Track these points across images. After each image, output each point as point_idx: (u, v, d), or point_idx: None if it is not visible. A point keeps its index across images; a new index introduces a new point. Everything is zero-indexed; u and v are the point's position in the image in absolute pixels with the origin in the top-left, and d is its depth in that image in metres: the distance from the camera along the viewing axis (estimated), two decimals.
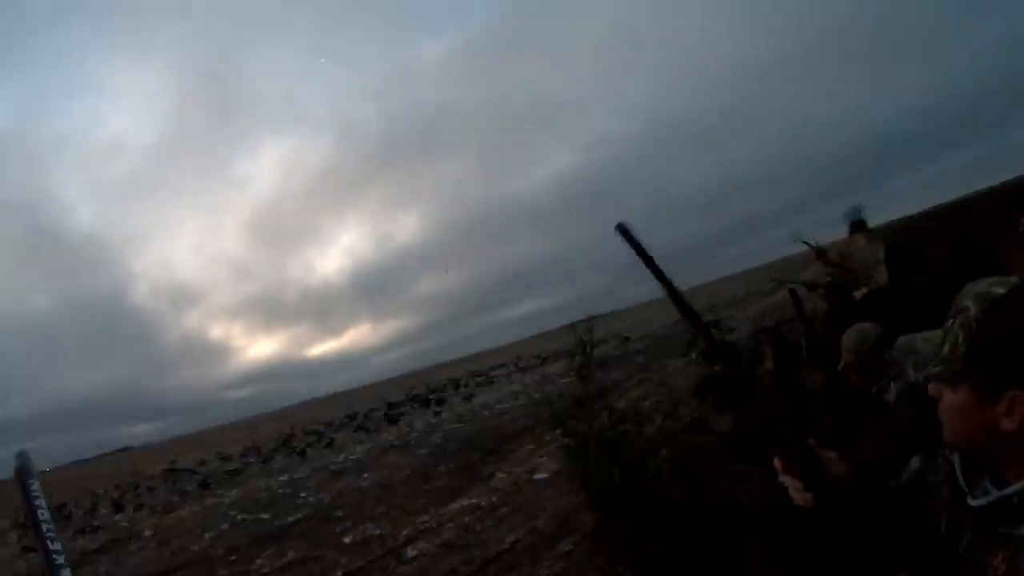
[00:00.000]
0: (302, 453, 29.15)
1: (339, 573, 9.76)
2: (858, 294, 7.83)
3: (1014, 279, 1.30)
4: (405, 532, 10.83)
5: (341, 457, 23.33)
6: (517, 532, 9.24)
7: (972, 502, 1.34)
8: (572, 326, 7.36)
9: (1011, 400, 1.22)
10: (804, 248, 9.55)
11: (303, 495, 17.28)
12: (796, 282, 9.45)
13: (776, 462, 1.70)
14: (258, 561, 11.60)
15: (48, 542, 1.21)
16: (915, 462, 1.96)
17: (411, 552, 9.73)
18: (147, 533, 17.67)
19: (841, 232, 9.71)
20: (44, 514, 1.24)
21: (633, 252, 1.77)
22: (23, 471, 1.29)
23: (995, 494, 1.29)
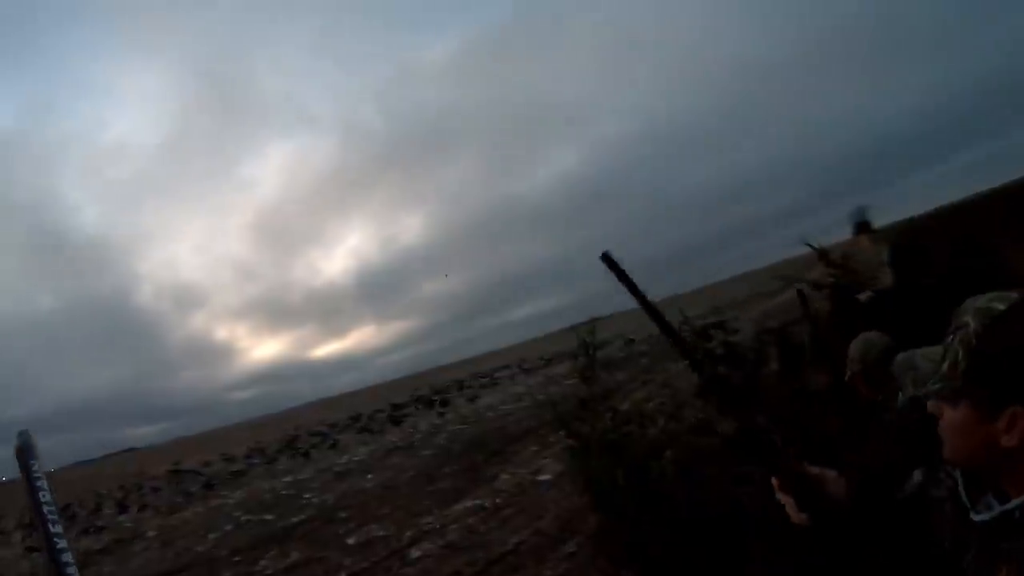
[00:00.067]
0: (306, 454, 29.15)
1: (343, 574, 9.75)
2: (863, 296, 7.83)
3: (1014, 295, 1.29)
4: (409, 533, 10.82)
5: (345, 458, 23.33)
6: (521, 533, 9.23)
7: (975, 517, 1.34)
8: (574, 328, 7.34)
9: (1011, 416, 1.22)
10: (807, 250, 9.54)
11: (307, 496, 17.28)
12: (802, 280, 9.45)
13: (773, 480, 1.70)
14: (262, 562, 11.61)
15: (50, 525, 1.15)
16: (918, 476, 1.96)
17: (415, 553, 9.73)
18: (151, 534, 17.70)
19: (845, 233, 9.68)
20: (46, 495, 1.19)
21: (619, 280, 1.77)
22: (24, 450, 1.23)
23: (997, 509, 1.30)
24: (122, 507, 26.42)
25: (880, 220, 9.55)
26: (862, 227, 9.21)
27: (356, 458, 22.53)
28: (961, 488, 1.40)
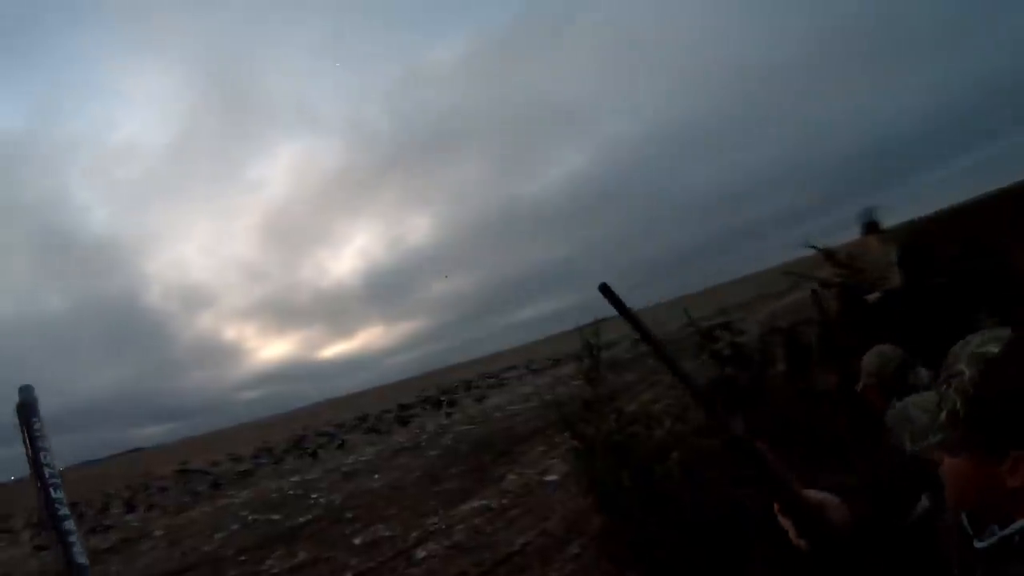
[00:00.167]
0: (313, 454, 29.20)
1: (349, 574, 9.74)
2: (872, 297, 7.77)
3: (1005, 332, 1.27)
4: (415, 534, 10.81)
5: (352, 458, 23.36)
6: (527, 534, 9.21)
7: (977, 544, 1.32)
8: (579, 330, 7.32)
9: (1015, 461, 1.20)
10: (815, 251, 9.49)
11: (314, 496, 17.30)
12: (810, 277, 9.40)
13: (775, 505, 1.68)
14: (268, 562, 11.61)
15: (51, 490, 1.09)
16: (925, 501, 1.93)
17: (421, 553, 9.71)
18: (158, 533, 17.75)
19: (853, 234, 9.63)
20: (47, 457, 1.12)
21: (616, 310, 1.77)
22: (26, 407, 1.14)
23: (997, 535, 1.28)
24: (129, 506, 26.52)
25: (888, 220, 9.49)
26: (870, 227, 9.15)
27: (363, 458, 22.55)
28: (964, 516, 1.38)
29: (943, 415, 1.30)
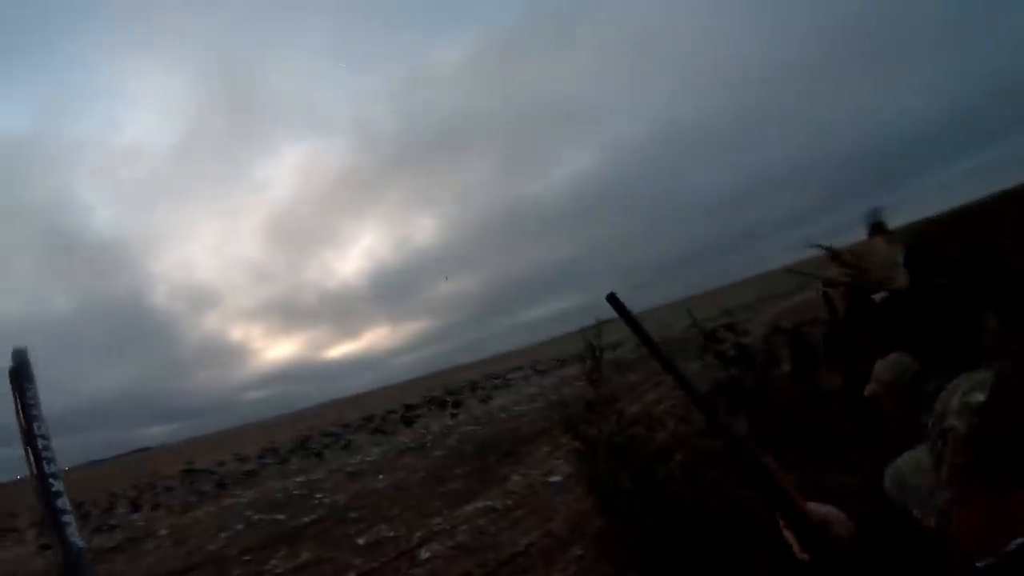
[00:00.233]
0: (319, 454, 29.21)
1: (352, 574, 9.73)
2: (878, 297, 7.73)
3: (986, 375, 1.26)
4: (419, 534, 10.80)
5: (357, 459, 23.36)
6: (531, 535, 9.19)
7: (978, 564, 1.31)
8: (582, 331, 7.31)
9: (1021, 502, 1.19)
10: (820, 253, 9.46)
11: (319, 496, 17.31)
12: (815, 276, 9.37)
13: (779, 518, 1.68)
14: (272, 561, 11.61)
15: (45, 464, 1.00)
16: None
17: (425, 554, 9.69)
18: (163, 532, 17.77)
19: (859, 235, 9.60)
20: (42, 428, 1.01)
21: (623, 320, 1.79)
22: (20, 372, 1.03)
23: (997, 554, 1.25)
24: (135, 506, 26.57)
25: (896, 221, 9.46)
26: (877, 228, 9.11)
27: (368, 459, 22.54)
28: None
29: (945, 473, 1.29)
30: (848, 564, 1.62)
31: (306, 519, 14.54)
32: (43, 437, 1.02)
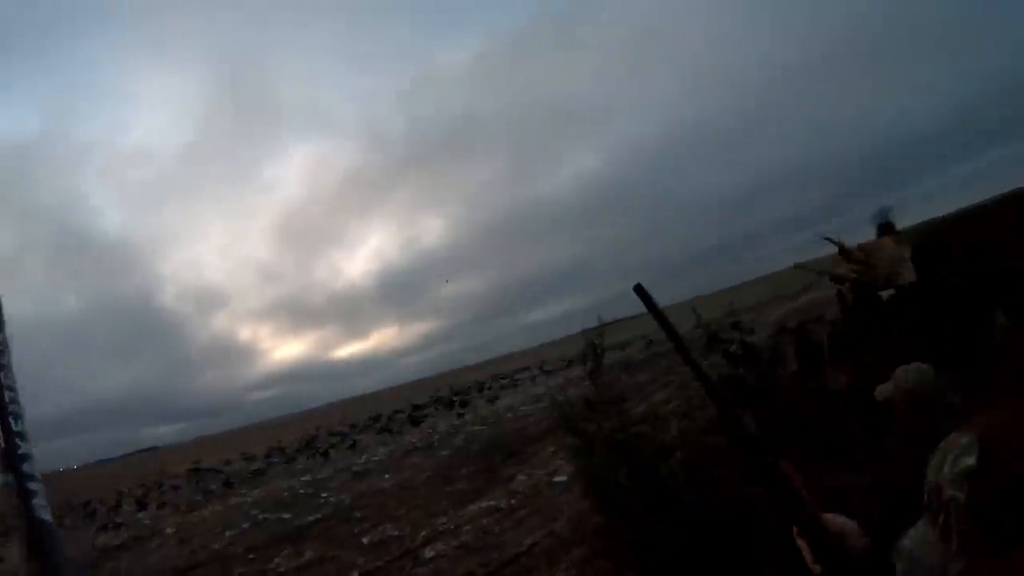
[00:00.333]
0: (325, 454, 29.25)
1: (355, 573, 9.71)
2: (885, 294, 7.68)
3: (973, 435, 1.23)
4: (423, 533, 10.76)
5: (363, 458, 23.35)
6: (535, 535, 9.14)
7: None
8: (583, 331, 7.27)
9: None
10: (827, 253, 9.43)
11: (324, 495, 17.30)
12: (821, 271, 9.32)
13: (793, 526, 1.65)
14: (276, 560, 11.60)
15: (12, 421, 0.86)
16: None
17: (428, 553, 9.66)
18: (169, 531, 17.79)
19: (867, 235, 9.55)
20: (8, 377, 0.87)
21: (648, 311, 1.79)
22: None
23: None
24: (141, 504, 26.67)
25: (905, 221, 9.42)
26: (885, 228, 9.06)
27: (375, 458, 22.53)
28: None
29: (955, 546, 1.26)
30: None
31: (311, 518, 14.53)
32: (10, 389, 0.88)
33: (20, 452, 0.87)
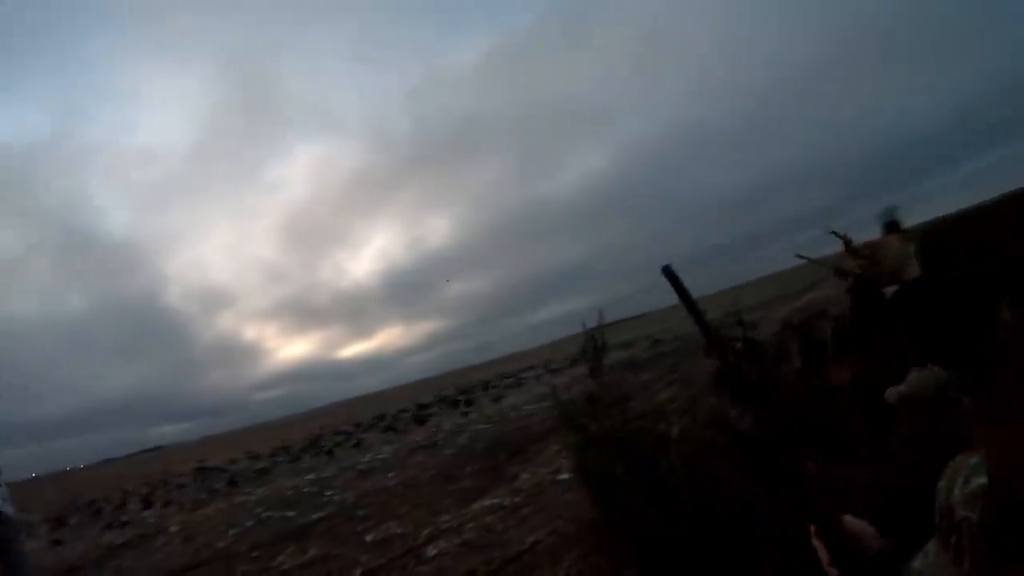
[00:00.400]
0: (330, 453, 29.29)
1: (358, 571, 9.69)
2: (888, 291, 7.66)
3: (977, 458, 1.22)
4: (427, 531, 10.75)
5: (368, 457, 23.38)
6: (538, 533, 9.12)
7: None
8: (584, 327, 7.25)
9: None
10: (831, 252, 9.42)
11: (328, 494, 17.33)
12: (825, 263, 9.30)
13: (812, 527, 1.63)
14: (279, 558, 11.60)
15: None
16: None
17: (431, 551, 9.65)
18: (173, 529, 17.82)
19: (872, 234, 9.55)
20: None
21: (676, 292, 1.84)
22: None
23: None
24: (147, 503, 26.72)
25: (911, 220, 9.40)
26: (892, 227, 9.03)
27: (379, 456, 22.56)
28: None
29: (967, 566, 1.25)
30: None
31: (315, 516, 14.53)
32: None
33: None
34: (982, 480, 1.16)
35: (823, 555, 1.59)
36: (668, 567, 5.00)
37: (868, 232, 9.48)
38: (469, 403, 35.33)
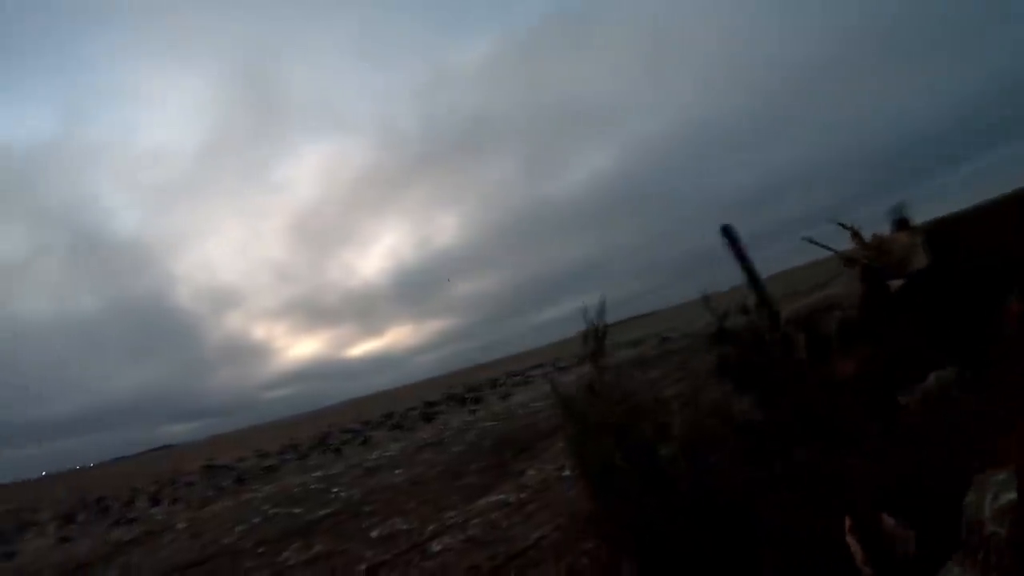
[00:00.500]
0: (338, 450, 29.36)
1: (363, 566, 9.67)
2: (895, 284, 7.62)
3: (1005, 475, 1.21)
4: (432, 527, 10.74)
5: (376, 454, 23.43)
6: (543, 528, 9.09)
7: None
8: (585, 318, 7.22)
9: None
10: (841, 250, 9.39)
11: (335, 491, 17.35)
12: (832, 249, 9.27)
13: (847, 521, 1.62)
14: (285, 554, 11.61)
15: None
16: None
17: (436, 547, 9.62)
18: (181, 526, 17.89)
19: (884, 230, 9.51)
20: None
21: (733, 253, 1.79)
22: None
23: None
24: (155, 501, 26.83)
25: (920, 217, 9.37)
26: (901, 224, 9.00)
27: (387, 454, 22.61)
28: None
29: None
30: None
31: (321, 513, 14.56)
32: None
33: None
34: (1012, 495, 1.15)
35: (857, 552, 1.58)
36: (667, 557, 4.95)
37: (879, 229, 9.44)
38: (477, 401, 35.38)
